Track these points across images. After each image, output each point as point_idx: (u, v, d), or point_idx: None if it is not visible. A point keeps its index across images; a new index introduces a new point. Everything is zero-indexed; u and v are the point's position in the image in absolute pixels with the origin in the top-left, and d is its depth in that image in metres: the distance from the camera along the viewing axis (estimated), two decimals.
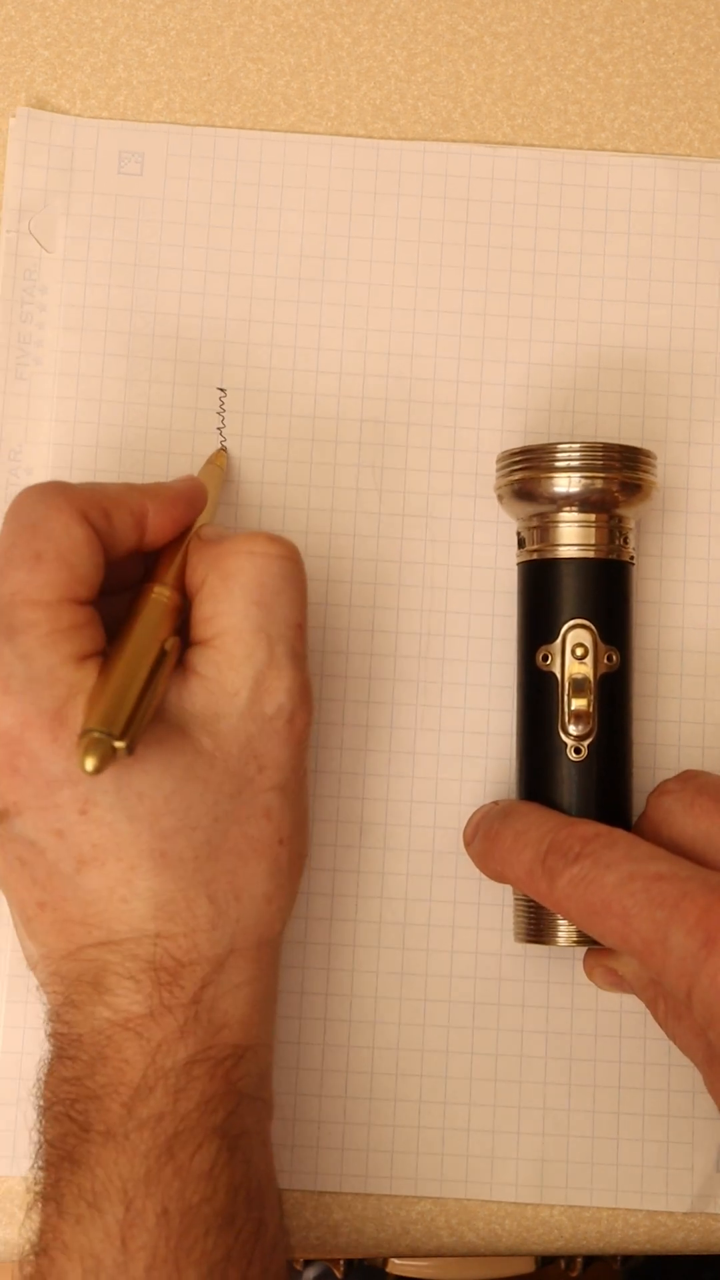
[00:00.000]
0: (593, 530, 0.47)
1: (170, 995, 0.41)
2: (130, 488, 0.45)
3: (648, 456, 0.48)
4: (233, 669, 0.43)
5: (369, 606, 0.51)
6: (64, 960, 0.42)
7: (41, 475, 0.51)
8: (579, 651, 0.47)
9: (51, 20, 0.54)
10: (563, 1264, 0.58)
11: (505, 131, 0.54)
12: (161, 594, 0.44)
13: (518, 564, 0.49)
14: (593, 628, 0.47)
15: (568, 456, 0.47)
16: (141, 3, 0.54)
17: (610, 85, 0.54)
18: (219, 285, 0.52)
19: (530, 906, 0.47)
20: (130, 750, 0.39)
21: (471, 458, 0.52)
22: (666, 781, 0.47)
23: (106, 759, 0.38)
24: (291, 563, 0.44)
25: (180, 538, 0.45)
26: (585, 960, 0.48)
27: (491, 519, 0.52)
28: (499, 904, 0.50)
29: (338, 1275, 0.59)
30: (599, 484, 0.47)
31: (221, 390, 0.52)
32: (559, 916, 0.46)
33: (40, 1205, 0.41)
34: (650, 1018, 0.47)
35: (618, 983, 0.47)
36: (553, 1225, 0.49)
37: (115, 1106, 0.40)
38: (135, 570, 0.46)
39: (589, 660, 0.47)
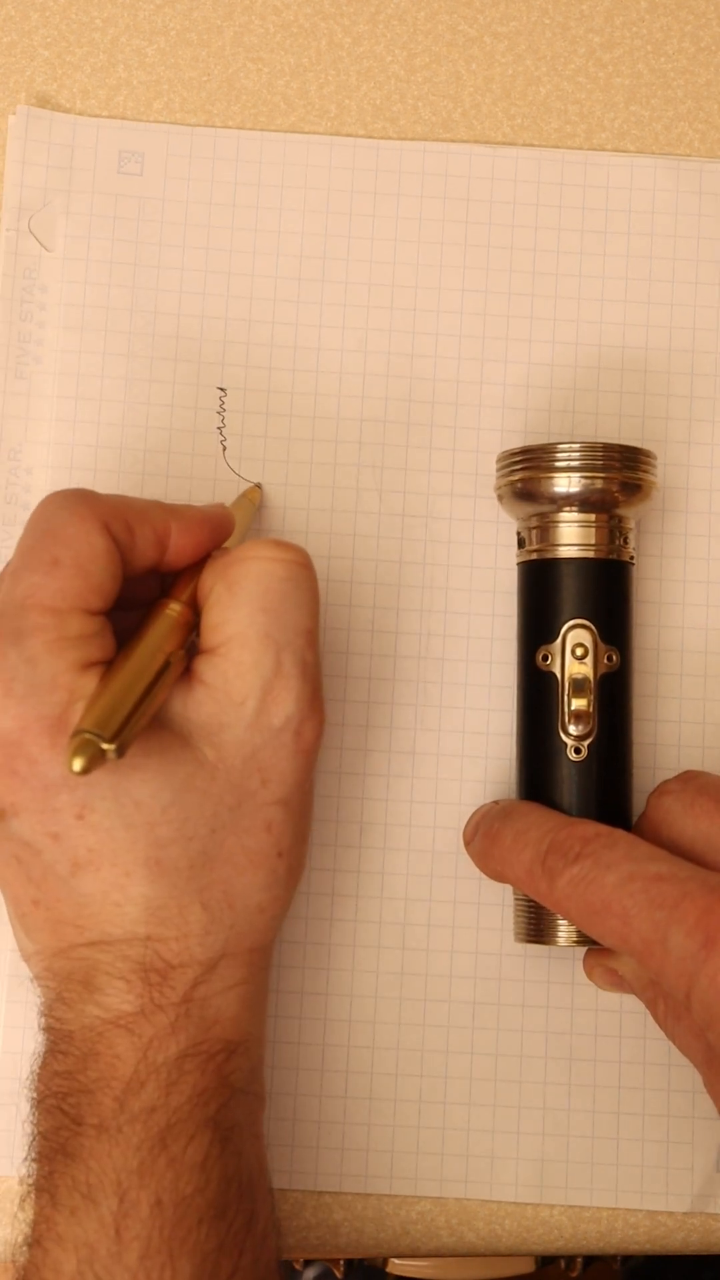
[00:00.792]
0: (593, 530, 0.47)
1: (161, 995, 0.41)
2: (157, 505, 0.45)
3: (648, 456, 0.48)
4: (239, 677, 0.42)
5: (369, 606, 0.51)
6: (56, 957, 0.42)
7: (41, 475, 0.51)
8: (579, 651, 0.47)
9: (51, 20, 0.54)
10: (563, 1264, 0.58)
11: (505, 131, 0.54)
12: (174, 609, 0.44)
13: (518, 564, 0.49)
14: (593, 628, 0.47)
15: (568, 456, 0.47)
16: (141, 3, 0.54)
17: (610, 85, 0.54)
18: (219, 285, 0.52)
19: (530, 906, 0.47)
20: (120, 753, 0.38)
21: (471, 458, 0.52)
22: (667, 782, 0.47)
23: (95, 761, 0.38)
24: (300, 568, 0.44)
25: (201, 561, 0.45)
26: (585, 960, 0.48)
27: (491, 519, 0.52)
28: (499, 904, 0.50)
29: (338, 1275, 0.59)
30: (599, 484, 0.47)
31: (221, 390, 0.52)
32: (559, 916, 0.46)
33: (34, 1197, 0.41)
34: (650, 1018, 0.47)
35: (618, 983, 0.47)
36: (553, 1225, 0.49)
37: (107, 1100, 0.40)
38: (153, 588, 0.46)
39: (589, 660, 0.47)
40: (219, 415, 0.52)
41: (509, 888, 0.50)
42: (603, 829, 0.44)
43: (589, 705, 0.47)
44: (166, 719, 0.42)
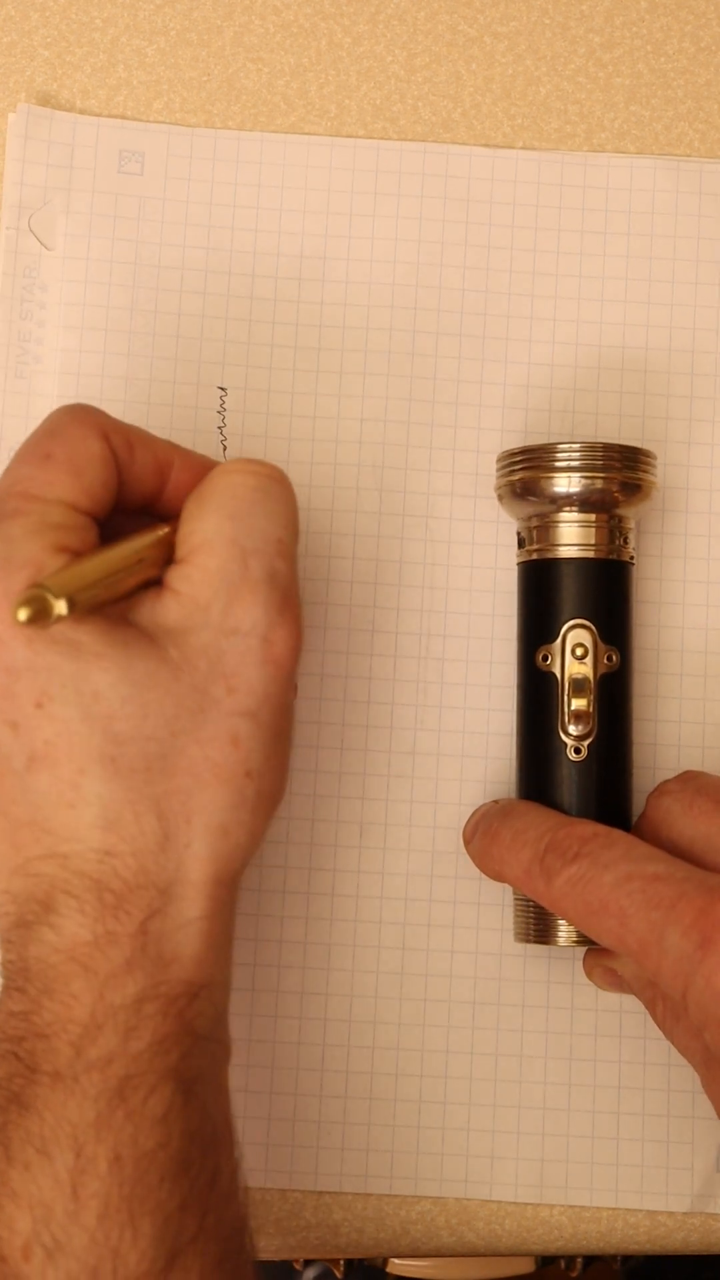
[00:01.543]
0: (593, 530, 0.47)
1: (116, 922, 0.40)
2: (165, 440, 0.45)
3: (648, 456, 0.48)
4: (205, 582, 0.42)
5: (369, 606, 0.51)
6: (15, 875, 0.41)
7: None
8: (579, 651, 0.47)
9: (51, 20, 0.54)
10: (563, 1264, 0.58)
11: (505, 132, 0.54)
12: (160, 528, 0.43)
13: (518, 564, 0.49)
14: (593, 628, 0.47)
15: (568, 456, 0.47)
16: (141, 3, 0.54)
17: (610, 85, 0.54)
18: (219, 285, 0.52)
19: (530, 906, 0.47)
20: (70, 609, 0.37)
21: (471, 458, 0.52)
22: (666, 782, 0.47)
23: (41, 614, 0.37)
24: (270, 480, 0.43)
25: None
26: (585, 960, 0.48)
27: (491, 519, 0.52)
28: (499, 904, 0.50)
29: (338, 1275, 0.59)
30: (599, 484, 0.47)
31: (222, 390, 0.52)
32: (559, 916, 0.46)
33: None
34: (650, 1018, 0.47)
35: (617, 983, 0.47)
36: (553, 1225, 0.49)
37: (63, 1047, 0.39)
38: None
39: (589, 660, 0.47)
40: (219, 415, 0.52)
41: (509, 888, 0.50)
42: (600, 829, 0.44)
43: (589, 705, 0.47)
44: (134, 622, 0.42)
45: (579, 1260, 0.58)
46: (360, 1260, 0.59)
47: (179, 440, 0.51)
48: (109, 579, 0.40)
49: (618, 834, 0.43)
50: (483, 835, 0.47)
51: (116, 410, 0.51)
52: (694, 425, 0.52)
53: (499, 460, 0.49)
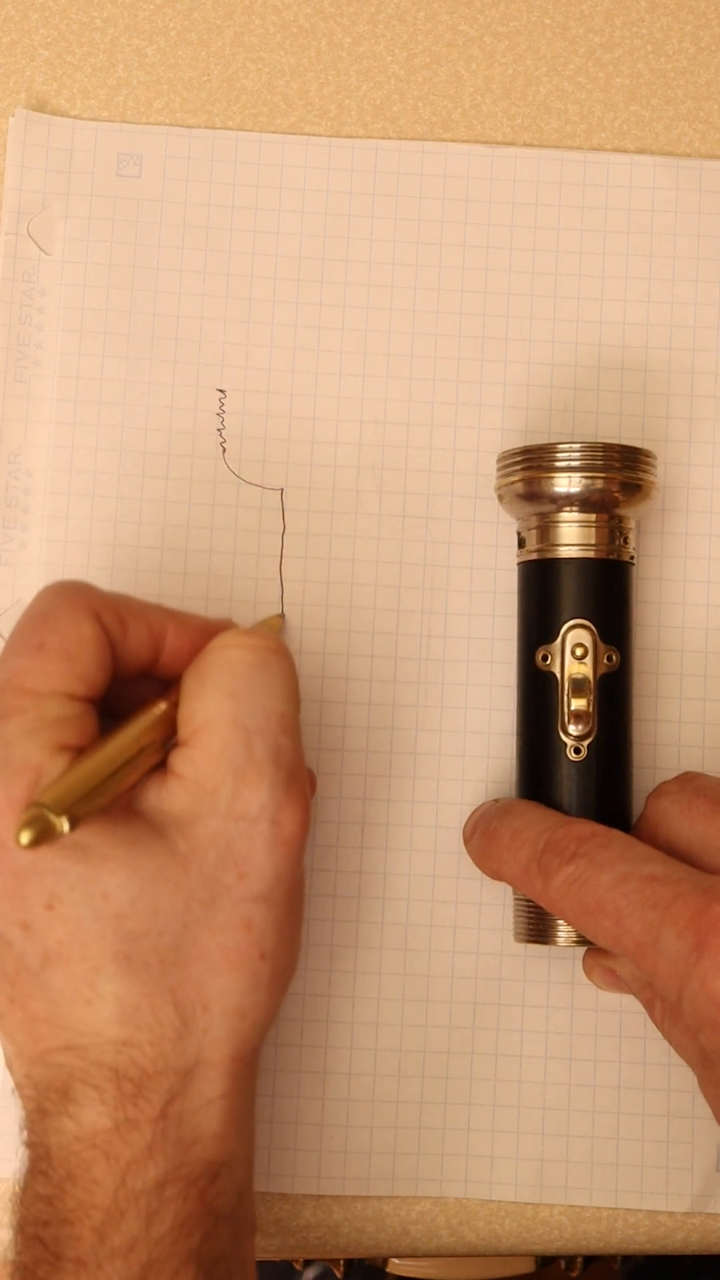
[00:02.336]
0: (593, 530, 0.47)
1: (136, 1109, 0.40)
2: (157, 606, 0.44)
3: (648, 456, 0.48)
4: (210, 766, 0.41)
5: (369, 607, 0.51)
6: (34, 1064, 0.41)
7: (41, 477, 0.51)
8: (579, 651, 0.47)
9: (51, 20, 0.54)
10: (563, 1264, 0.58)
11: (505, 131, 0.54)
12: (159, 706, 0.43)
13: (518, 564, 0.49)
14: (592, 628, 0.47)
15: (568, 456, 0.47)
16: (141, 3, 0.54)
17: (610, 85, 0.54)
18: (218, 286, 0.52)
19: (530, 906, 0.47)
20: (72, 826, 0.37)
21: (471, 458, 0.52)
22: (665, 783, 0.47)
23: (45, 835, 0.37)
24: (268, 653, 0.43)
25: None
26: (584, 960, 0.48)
27: (491, 519, 0.52)
28: (500, 904, 0.50)
29: (338, 1275, 0.59)
30: (599, 484, 0.47)
31: (221, 391, 0.52)
32: (557, 916, 0.46)
33: None
34: (649, 1018, 0.47)
35: (617, 983, 0.47)
36: (553, 1225, 0.49)
37: (86, 1233, 0.39)
38: (152, 696, 0.45)
39: (589, 660, 0.47)
40: (219, 417, 0.52)
41: (510, 888, 0.50)
42: (598, 829, 0.44)
43: (589, 705, 0.47)
44: (141, 812, 0.41)
45: (579, 1260, 0.58)
46: (360, 1260, 0.59)
47: (179, 442, 0.51)
48: (111, 779, 0.40)
49: (615, 834, 0.43)
50: (482, 834, 0.47)
51: (116, 413, 0.51)
52: (694, 424, 0.52)
53: (499, 460, 0.49)
